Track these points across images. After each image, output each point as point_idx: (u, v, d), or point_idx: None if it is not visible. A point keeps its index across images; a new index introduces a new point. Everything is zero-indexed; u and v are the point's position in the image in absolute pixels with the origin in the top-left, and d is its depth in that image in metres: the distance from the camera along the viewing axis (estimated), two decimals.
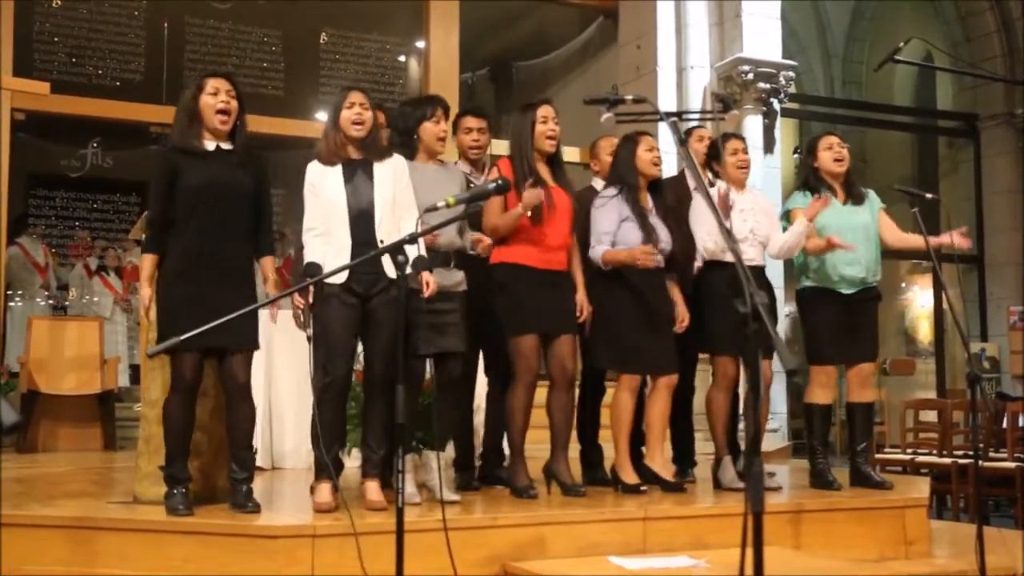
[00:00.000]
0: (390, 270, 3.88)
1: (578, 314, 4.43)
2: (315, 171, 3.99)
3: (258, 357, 4.10)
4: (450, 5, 9.84)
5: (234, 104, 3.90)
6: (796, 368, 2.19)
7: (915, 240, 4.72)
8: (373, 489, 3.90)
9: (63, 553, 3.62)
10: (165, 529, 3.60)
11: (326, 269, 3.83)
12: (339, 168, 3.96)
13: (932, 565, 4.27)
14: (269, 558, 3.44)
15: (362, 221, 3.90)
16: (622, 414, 4.52)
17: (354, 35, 10.51)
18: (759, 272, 4.72)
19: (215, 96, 3.87)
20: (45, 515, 3.81)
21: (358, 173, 3.96)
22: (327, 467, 3.85)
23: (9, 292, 9.71)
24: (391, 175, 4.00)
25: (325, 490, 3.83)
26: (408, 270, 3.10)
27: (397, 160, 4.06)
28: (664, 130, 7.03)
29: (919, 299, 13.72)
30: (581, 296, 4.45)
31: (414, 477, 4.09)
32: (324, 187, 3.93)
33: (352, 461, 4.52)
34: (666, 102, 9.15)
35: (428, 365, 4.30)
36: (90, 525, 3.67)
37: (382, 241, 3.87)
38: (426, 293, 3.83)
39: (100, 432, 7.56)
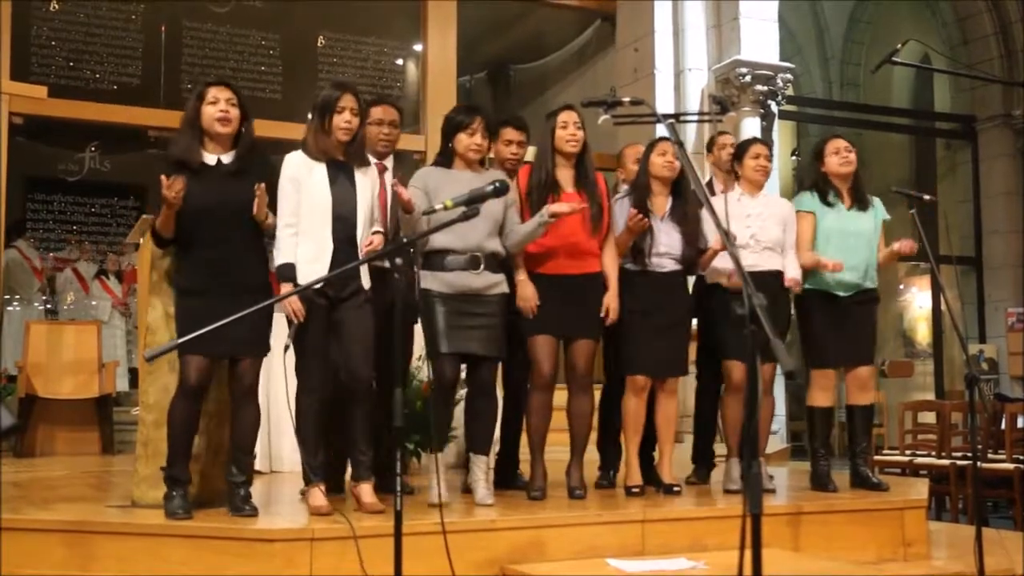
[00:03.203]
0: (366, 279, 3.92)
1: (603, 313, 4.42)
2: (298, 164, 3.92)
3: None
4: (448, 8, 9.84)
5: (234, 112, 3.86)
6: (794, 370, 2.19)
7: (884, 261, 4.89)
8: (367, 491, 3.90)
9: (61, 557, 3.62)
10: (163, 533, 3.60)
11: (299, 269, 3.82)
12: (324, 166, 3.92)
13: (931, 567, 4.27)
14: (267, 562, 3.44)
15: (344, 225, 3.88)
16: (629, 416, 4.54)
17: (352, 38, 10.51)
18: (768, 277, 4.64)
19: (215, 105, 3.84)
20: (43, 519, 3.81)
21: (341, 176, 3.94)
22: (317, 471, 3.86)
23: (7, 297, 9.70)
24: (369, 184, 3.99)
25: (319, 494, 3.83)
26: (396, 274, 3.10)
27: (373, 170, 4.07)
28: (662, 132, 7.04)
29: (917, 301, 13.72)
30: (610, 296, 4.44)
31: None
32: (308, 183, 3.89)
33: None
34: (664, 105, 9.16)
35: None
36: (88, 529, 3.67)
37: (361, 250, 3.88)
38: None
39: (98, 436, 7.56)
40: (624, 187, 5.07)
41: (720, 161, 5.25)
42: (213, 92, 3.86)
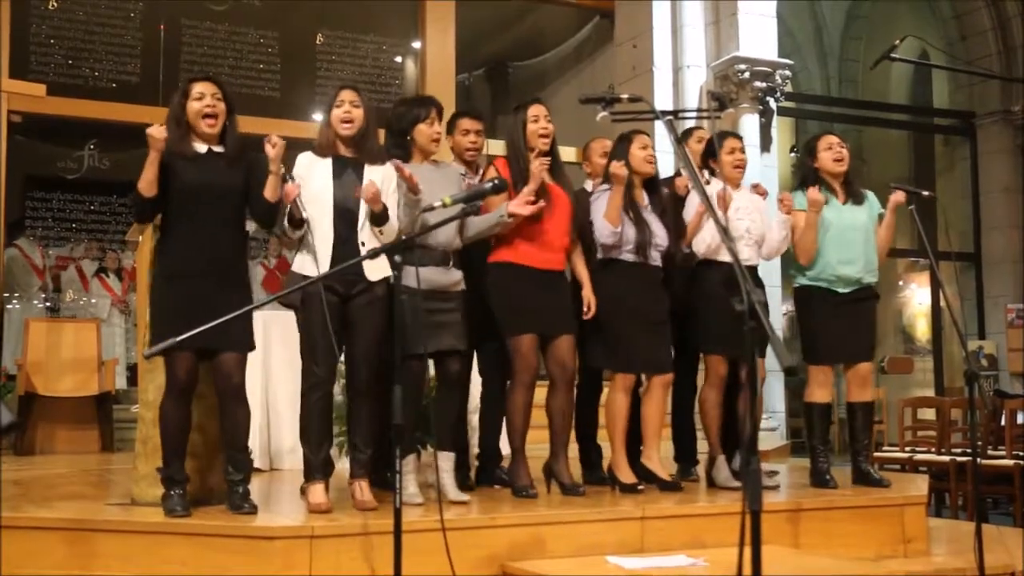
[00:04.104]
0: (370, 273, 3.90)
1: (585, 309, 4.43)
2: (304, 162, 3.99)
3: (255, 357, 4.09)
4: (446, 6, 9.85)
5: (221, 107, 3.89)
6: (793, 365, 2.19)
7: (885, 230, 4.86)
8: (362, 489, 3.90)
9: (61, 555, 3.62)
10: (163, 531, 3.60)
11: (303, 259, 3.87)
12: (329, 161, 3.98)
13: (930, 563, 4.27)
14: (267, 559, 3.44)
15: (346, 218, 3.89)
16: (616, 413, 4.53)
17: (350, 36, 10.51)
18: (752, 271, 4.73)
19: (200, 101, 3.87)
20: (43, 517, 3.80)
21: (348, 171, 3.97)
22: (319, 467, 3.86)
23: (6, 294, 9.70)
24: (380, 181, 3.98)
25: (319, 490, 3.82)
26: (396, 271, 3.10)
27: (388, 168, 4.06)
28: (661, 130, 7.04)
29: (916, 297, 13.73)
30: (588, 292, 4.46)
31: (416, 477, 4.08)
32: (311, 177, 3.93)
33: (344, 463, 4.49)
34: (662, 101, 9.17)
35: (428, 365, 4.29)
36: (88, 527, 3.66)
37: (363, 243, 3.88)
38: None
39: (97, 434, 7.55)
40: (590, 182, 5.07)
41: (695, 154, 5.24)
42: (198, 88, 3.89)
